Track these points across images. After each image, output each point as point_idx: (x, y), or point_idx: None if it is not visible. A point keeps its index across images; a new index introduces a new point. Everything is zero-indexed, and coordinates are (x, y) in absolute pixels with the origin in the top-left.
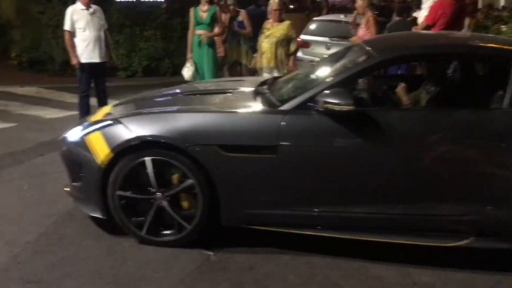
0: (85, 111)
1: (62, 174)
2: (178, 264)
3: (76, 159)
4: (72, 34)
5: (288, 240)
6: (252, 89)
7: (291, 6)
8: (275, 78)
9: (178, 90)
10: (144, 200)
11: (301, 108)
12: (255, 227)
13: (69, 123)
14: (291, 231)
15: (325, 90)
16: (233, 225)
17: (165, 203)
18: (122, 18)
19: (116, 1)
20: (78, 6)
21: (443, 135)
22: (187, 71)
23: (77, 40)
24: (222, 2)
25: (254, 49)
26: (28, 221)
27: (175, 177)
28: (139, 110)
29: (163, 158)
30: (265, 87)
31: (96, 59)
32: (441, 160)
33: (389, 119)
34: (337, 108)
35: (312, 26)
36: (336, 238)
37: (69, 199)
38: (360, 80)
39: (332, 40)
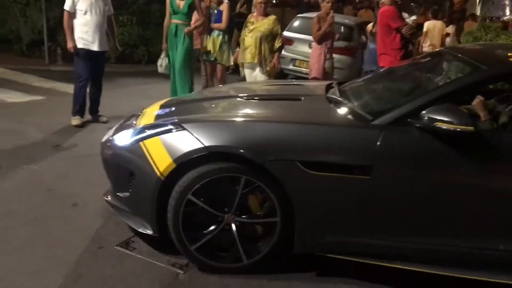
0: (81, 102)
1: (20, 168)
2: (143, 283)
3: (125, 167)
4: (72, 15)
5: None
6: (322, 96)
7: (274, 1)
8: (340, 84)
9: (232, 93)
10: (212, 216)
11: (399, 124)
12: (330, 255)
13: (34, 109)
14: (373, 262)
15: (430, 105)
16: (307, 251)
17: (233, 226)
18: None
19: None
20: None
21: None
22: (161, 63)
23: (77, 23)
24: None
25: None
26: None
27: (253, 200)
28: (201, 115)
29: (235, 174)
30: (336, 94)
31: (94, 47)
32: None
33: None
34: (451, 127)
35: (296, 23)
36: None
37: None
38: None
39: None
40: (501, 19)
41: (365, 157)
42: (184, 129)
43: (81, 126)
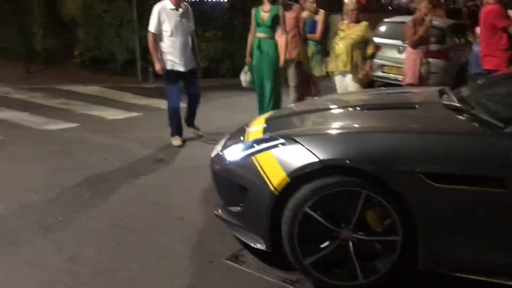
0: (176, 122)
1: (127, 182)
2: None
3: (237, 181)
4: (157, 36)
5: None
6: (437, 103)
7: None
8: (452, 89)
9: (337, 104)
10: (328, 230)
11: None
12: (457, 274)
13: (133, 125)
14: (508, 283)
15: None
16: (431, 269)
17: (350, 243)
18: None
19: None
20: (167, 4)
21: None
22: (245, 77)
23: (163, 45)
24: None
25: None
26: (89, 233)
27: (371, 216)
28: (311, 127)
29: (354, 188)
30: (454, 100)
31: (181, 67)
32: None
33: None
34: None
35: (383, 28)
36: None
37: (119, 212)
38: None
39: (405, 43)
40: None
41: (499, 167)
42: (296, 142)
43: (182, 145)
